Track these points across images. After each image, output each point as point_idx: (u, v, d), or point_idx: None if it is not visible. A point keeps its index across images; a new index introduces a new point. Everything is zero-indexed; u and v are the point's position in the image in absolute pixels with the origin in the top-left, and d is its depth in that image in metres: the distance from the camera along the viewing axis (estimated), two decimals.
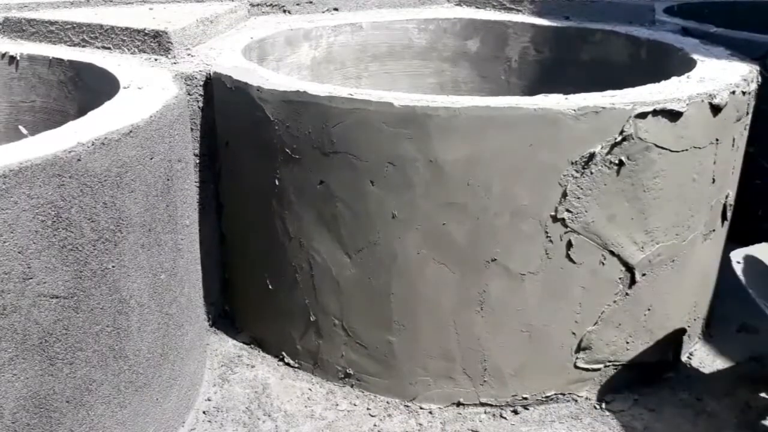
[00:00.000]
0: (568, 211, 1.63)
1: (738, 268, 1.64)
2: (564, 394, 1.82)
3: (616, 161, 1.61)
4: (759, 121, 2.01)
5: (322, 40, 2.65)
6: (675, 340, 1.93)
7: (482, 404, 1.80)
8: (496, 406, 1.80)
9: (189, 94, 1.91)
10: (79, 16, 2.30)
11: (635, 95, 1.65)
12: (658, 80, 1.79)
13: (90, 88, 1.97)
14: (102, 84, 1.87)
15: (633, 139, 1.60)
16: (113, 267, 1.38)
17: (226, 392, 1.85)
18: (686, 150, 1.69)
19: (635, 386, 1.87)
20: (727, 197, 1.91)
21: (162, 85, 1.73)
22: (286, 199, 1.79)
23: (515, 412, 1.79)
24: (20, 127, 2.11)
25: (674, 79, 1.81)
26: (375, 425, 1.75)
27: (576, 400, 1.82)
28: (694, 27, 2.55)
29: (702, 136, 1.71)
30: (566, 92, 1.67)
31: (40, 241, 1.23)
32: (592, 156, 1.59)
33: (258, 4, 2.80)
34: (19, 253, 1.20)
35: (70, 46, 2.22)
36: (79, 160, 1.27)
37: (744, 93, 1.80)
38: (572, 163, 1.59)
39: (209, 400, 1.81)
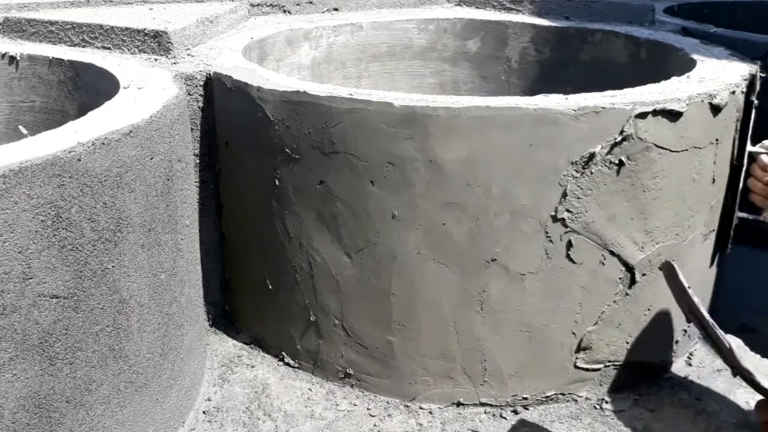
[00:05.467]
0: (568, 211, 1.63)
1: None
2: (564, 394, 1.82)
3: (616, 161, 1.61)
4: (759, 121, 2.00)
5: (322, 40, 2.65)
6: (676, 340, 1.93)
7: (482, 404, 1.80)
8: (496, 406, 1.80)
9: (189, 94, 1.91)
10: (79, 16, 2.30)
11: (635, 95, 1.65)
12: (658, 80, 1.79)
13: (90, 88, 1.97)
14: (102, 84, 1.87)
15: (633, 139, 1.60)
16: (113, 267, 1.38)
17: (226, 392, 1.85)
18: (686, 150, 1.69)
19: (635, 386, 1.87)
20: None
21: (162, 85, 1.73)
22: (286, 199, 1.79)
23: (515, 412, 1.79)
24: (20, 127, 2.11)
25: (674, 79, 1.82)
26: (375, 425, 1.75)
27: (576, 400, 1.82)
28: (694, 27, 2.55)
29: (702, 136, 1.71)
30: (566, 92, 1.67)
31: (40, 241, 1.23)
32: (592, 156, 1.59)
33: (258, 4, 2.80)
34: (19, 253, 1.20)
35: (70, 46, 2.22)
36: (79, 160, 1.27)
37: (744, 93, 1.80)
38: (572, 163, 1.59)
39: (209, 400, 1.82)
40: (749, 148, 1.74)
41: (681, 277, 1.61)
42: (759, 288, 2.35)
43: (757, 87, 1.76)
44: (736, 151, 1.82)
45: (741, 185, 1.76)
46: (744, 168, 1.76)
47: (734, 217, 1.81)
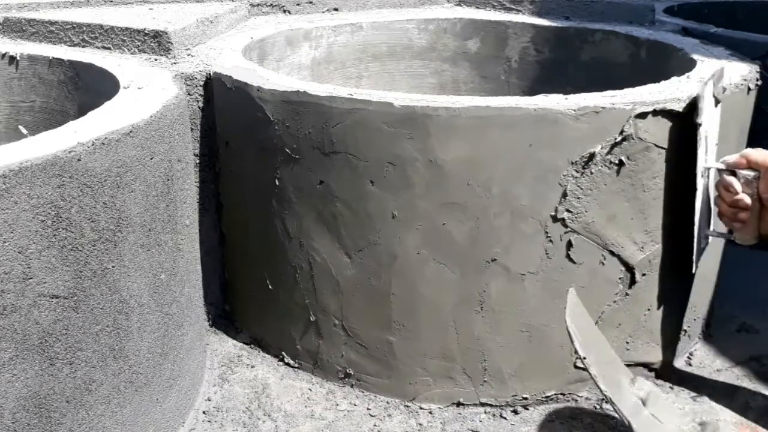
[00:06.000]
0: (568, 211, 1.63)
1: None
2: (564, 394, 1.82)
3: (616, 161, 1.61)
4: (759, 122, 2.01)
5: (322, 40, 2.65)
6: (675, 340, 1.93)
7: (482, 404, 1.81)
8: (496, 406, 1.80)
9: (189, 94, 1.91)
10: (80, 16, 2.30)
11: (635, 95, 1.65)
12: (658, 80, 1.79)
13: (90, 88, 1.97)
14: (102, 84, 1.87)
15: (633, 139, 1.60)
16: (113, 267, 1.38)
17: (226, 392, 1.85)
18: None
19: None
20: None
21: (162, 85, 1.73)
22: (286, 199, 1.79)
23: (515, 412, 1.79)
24: (20, 127, 2.11)
25: (674, 79, 1.81)
26: (375, 425, 1.75)
27: (576, 400, 1.82)
28: (694, 27, 2.55)
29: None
30: (566, 92, 1.67)
31: (40, 241, 1.23)
32: (592, 156, 1.59)
33: (258, 5, 2.80)
34: (19, 253, 1.20)
35: (70, 46, 2.22)
36: (79, 160, 1.27)
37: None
38: (572, 163, 1.59)
39: (209, 400, 1.82)
40: (707, 164, 1.62)
41: (570, 329, 1.47)
42: (759, 288, 2.35)
43: (704, 107, 1.59)
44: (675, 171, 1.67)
45: (699, 204, 1.62)
46: (703, 186, 1.63)
47: (696, 240, 1.66)
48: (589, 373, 1.46)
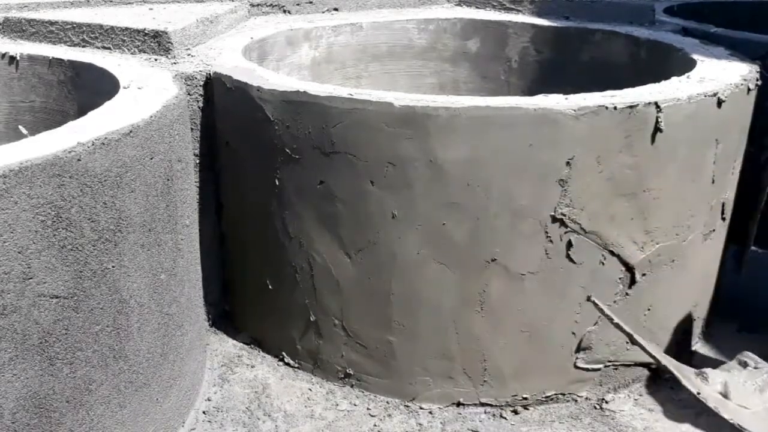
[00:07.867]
0: (568, 210, 1.63)
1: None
2: (564, 394, 1.82)
3: (617, 161, 1.61)
4: (759, 121, 2.01)
5: (322, 40, 2.65)
6: (676, 340, 1.93)
7: (482, 404, 1.80)
8: (496, 406, 1.80)
9: (189, 94, 1.91)
10: (80, 17, 2.30)
11: (635, 95, 1.65)
12: (658, 80, 1.79)
13: (90, 88, 1.97)
14: (102, 84, 1.87)
15: (633, 138, 1.60)
16: (113, 267, 1.38)
17: (226, 392, 1.85)
18: (686, 150, 1.69)
19: (635, 386, 1.87)
20: (726, 197, 1.91)
21: (162, 85, 1.73)
22: (286, 199, 1.79)
23: (515, 412, 1.79)
24: (20, 127, 2.11)
25: (674, 79, 1.81)
26: (375, 425, 1.75)
27: (576, 400, 1.82)
28: (694, 27, 2.55)
29: (702, 136, 1.71)
30: (566, 92, 1.67)
31: (40, 241, 1.23)
32: (592, 156, 1.59)
33: (258, 5, 2.80)
34: (19, 253, 1.20)
35: (70, 46, 2.22)
36: (79, 160, 1.27)
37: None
38: (572, 163, 1.59)
39: (209, 400, 1.82)
40: None
41: (606, 310, 1.54)
42: (759, 288, 2.35)
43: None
44: None
45: None
46: None
47: None
48: (681, 383, 1.54)
